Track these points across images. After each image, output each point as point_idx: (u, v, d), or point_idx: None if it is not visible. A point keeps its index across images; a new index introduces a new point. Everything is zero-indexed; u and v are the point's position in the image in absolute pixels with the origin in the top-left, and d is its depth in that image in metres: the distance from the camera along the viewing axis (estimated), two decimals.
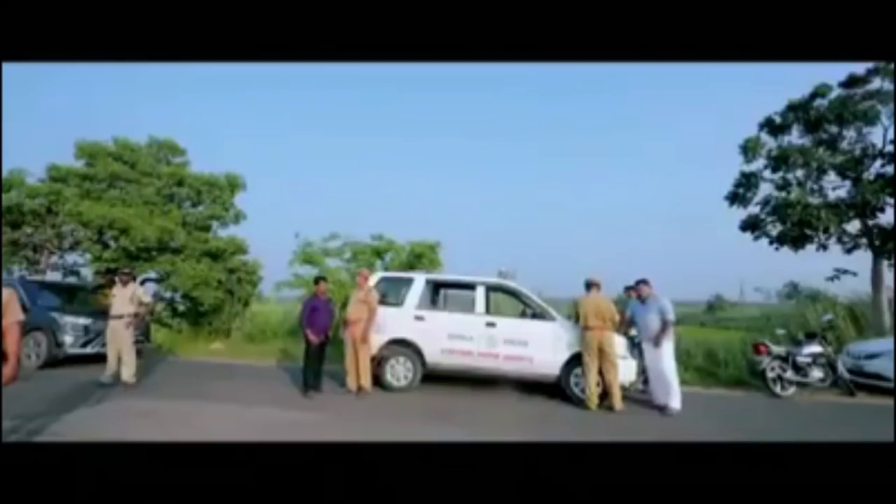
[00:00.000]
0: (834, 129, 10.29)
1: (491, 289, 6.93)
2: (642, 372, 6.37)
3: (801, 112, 10.60)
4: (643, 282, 6.10)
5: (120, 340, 6.10)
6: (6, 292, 2.77)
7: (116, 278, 6.65)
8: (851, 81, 10.18)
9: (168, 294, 11.06)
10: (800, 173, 10.45)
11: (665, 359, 5.73)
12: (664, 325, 5.74)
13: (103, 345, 6.51)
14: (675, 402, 5.65)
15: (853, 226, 10.19)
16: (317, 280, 6.63)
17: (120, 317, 6.15)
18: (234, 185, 11.94)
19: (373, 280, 6.66)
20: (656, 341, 5.77)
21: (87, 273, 10.83)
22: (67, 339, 7.21)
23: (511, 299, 7.53)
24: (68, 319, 7.31)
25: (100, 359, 6.54)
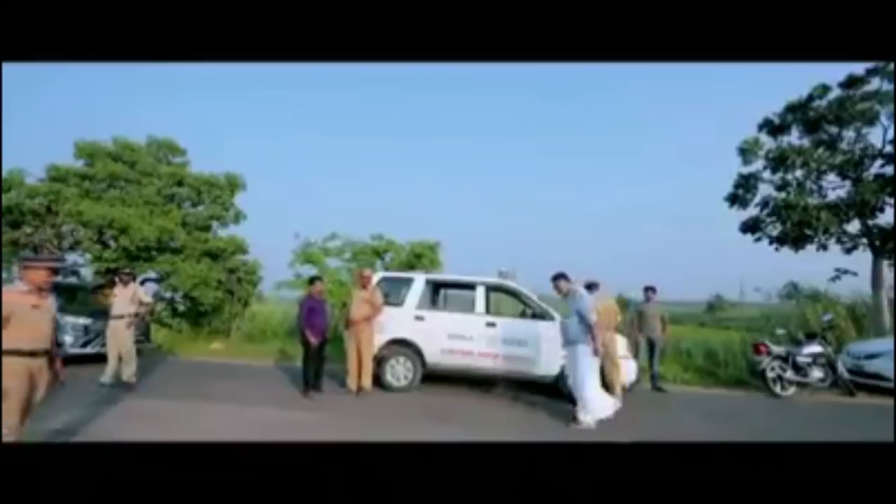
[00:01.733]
0: (833, 129, 10.27)
1: (491, 289, 6.93)
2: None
3: (799, 113, 10.60)
4: (561, 276, 5.32)
5: (121, 340, 6.09)
6: (51, 300, 2.85)
7: (117, 278, 6.66)
8: (851, 82, 10.17)
9: (168, 294, 11.06)
10: (799, 174, 10.44)
11: (580, 366, 4.97)
12: (588, 328, 4.94)
13: (103, 345, 6.50)
14: (584, 415, 4.92)
15: (853, 226, 10.19)
16: (311, 280, 6.55)
17: (121, 317, 6.15)
18: (234, 185, 11.93)
19: (373, 280, 6.66)
20: (577, 344, 5.00)
21: (87, 273, 10.82)
22: (67, 339, 7.20)
23: (511, 299, 7.52)
24: (68, 319, 7.29)
25: (100, 359, 6.53)
